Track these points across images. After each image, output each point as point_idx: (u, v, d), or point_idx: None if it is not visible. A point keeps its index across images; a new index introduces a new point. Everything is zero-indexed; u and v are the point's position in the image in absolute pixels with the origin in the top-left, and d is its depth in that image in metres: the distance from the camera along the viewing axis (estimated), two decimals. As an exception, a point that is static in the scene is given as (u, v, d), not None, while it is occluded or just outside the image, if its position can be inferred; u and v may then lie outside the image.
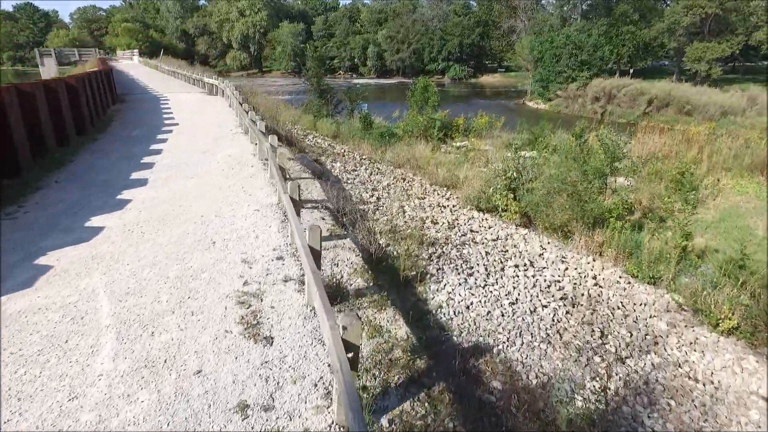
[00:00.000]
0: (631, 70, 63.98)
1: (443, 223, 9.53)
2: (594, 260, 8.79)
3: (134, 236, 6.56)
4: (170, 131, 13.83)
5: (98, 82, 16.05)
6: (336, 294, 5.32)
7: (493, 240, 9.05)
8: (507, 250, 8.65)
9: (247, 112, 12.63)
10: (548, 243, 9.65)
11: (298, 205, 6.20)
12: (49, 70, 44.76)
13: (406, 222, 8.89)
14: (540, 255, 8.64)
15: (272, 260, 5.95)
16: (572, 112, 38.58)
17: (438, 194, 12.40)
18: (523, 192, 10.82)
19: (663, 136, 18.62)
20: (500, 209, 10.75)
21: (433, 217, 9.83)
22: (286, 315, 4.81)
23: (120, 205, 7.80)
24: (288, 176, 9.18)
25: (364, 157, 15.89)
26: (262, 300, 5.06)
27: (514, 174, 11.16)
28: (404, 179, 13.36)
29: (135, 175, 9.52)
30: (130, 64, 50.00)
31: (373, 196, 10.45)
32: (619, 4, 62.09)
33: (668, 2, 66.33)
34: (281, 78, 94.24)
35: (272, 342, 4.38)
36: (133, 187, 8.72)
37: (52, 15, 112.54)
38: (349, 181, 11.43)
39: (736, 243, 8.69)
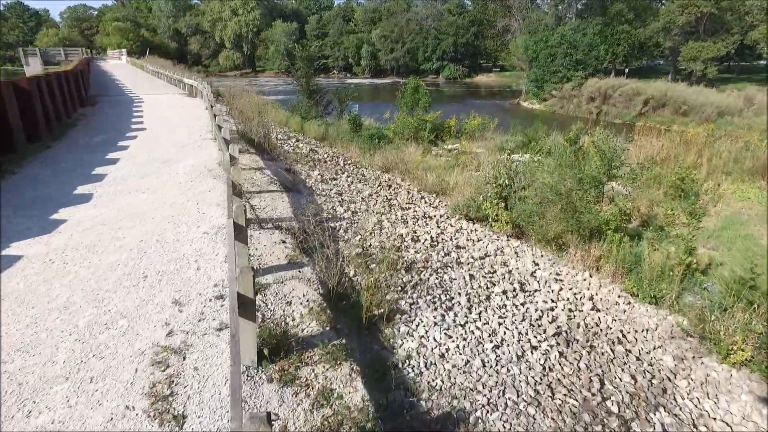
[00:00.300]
0: (626, 70, 63.38)
1: (425, 239, 8.59)
2: (591, 276, 7.91)
3: (53, 268, 5.57)
4: (135, 137, 12.82)
5: (62, 84, 14.99)
6: (280, 346, 4.37)
7: (481, 258, 8.13)
8: (495, 270, 7.74)
9: (215, 116, 11.64)
10: (541, 256, 8.75)
11: (244, 232, 5.23)
12: (34, 69, 43.59)
13: (381, 242, 7.92)
14: (532, 274, 7.74)
15: (210, 300, 4.98)
16: (567, 112, 37.80)
17: (425, 202, 11.49)
18: (515, 200, 9.92)
19: (661, 138, 17.77)
20: (491, 219, 9.86)
21: (414, 232, 8.88)
22: (210, 381, 3.85)
23: (51, 227, 6.81)
24: (244, 192, 8.18)
25: (348, 162, 14.89)
26: (184, 358, 4.09)
27: (506, 181, 10.26)
28: (390, 186, 12.42)
29: (80, 190, 8.51)
30: (118, 64, 48.80)
31: (348, 210, 9.44)
32: (614, 3, 61.44)
33: (663, 1, 65.76)
34: (274, 77, 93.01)
35: (183, 424, 3.42)
36: (73, 205, 7.72)
37: (43, 14, 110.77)
38: (324, 193, 10.43)
39: (743, 258, 7.83)
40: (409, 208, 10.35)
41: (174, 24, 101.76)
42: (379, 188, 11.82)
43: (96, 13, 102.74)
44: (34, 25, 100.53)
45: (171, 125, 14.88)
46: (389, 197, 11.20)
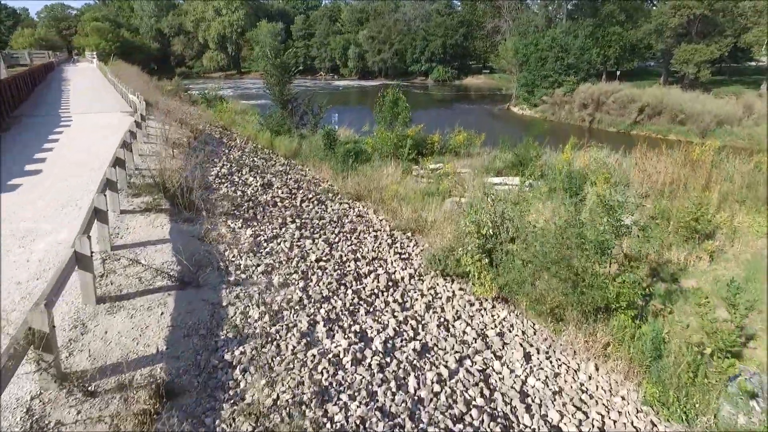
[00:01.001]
0: (618, 72, 62.33)
1: (375, 353, 6.03)
2: (596, 368, 6.28)
3: None
4: (12, 189, 9.68)
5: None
6: None
7: (458, 360, 6.19)
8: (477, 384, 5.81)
9: (114, 164, 9.07)
10: (534, 333, 7.11)
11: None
12: (-2, 73, 41.32)
13: (298, 391, 5.02)
14: (523, 382, 5.91)
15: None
16: (559, 119, 36.39)
17: (396, 251, 9.70)
18: (501, 255, 8.26)
19: (663, 157, 16.23)
20: (472, 280, 8.17)
21: (360, 339, 6.30)
22: None
23: None
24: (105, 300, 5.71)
25: (308, 198, 12.88)
26: None
27: (490, 231, 8.60)
28: (355, 230, 10.55)
29: None
30: (86, 68, 46.45)
31: (268, 310, 6.43)
32: (605, 4, 60.30)
33: (655, 2, 64.80)
34: (260, 79, 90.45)
35: None
36: None
37: (21, 13, 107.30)
38: (245, 276, 7.32)
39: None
40: (370, 274, 8.46)
41: (156, 24, 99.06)
42: (339, 235, 9.98)
43: (75, 12, 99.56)
44: (12, 24, 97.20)
45: (78, 165, 11.56)
46: (351, 250, 9.15)
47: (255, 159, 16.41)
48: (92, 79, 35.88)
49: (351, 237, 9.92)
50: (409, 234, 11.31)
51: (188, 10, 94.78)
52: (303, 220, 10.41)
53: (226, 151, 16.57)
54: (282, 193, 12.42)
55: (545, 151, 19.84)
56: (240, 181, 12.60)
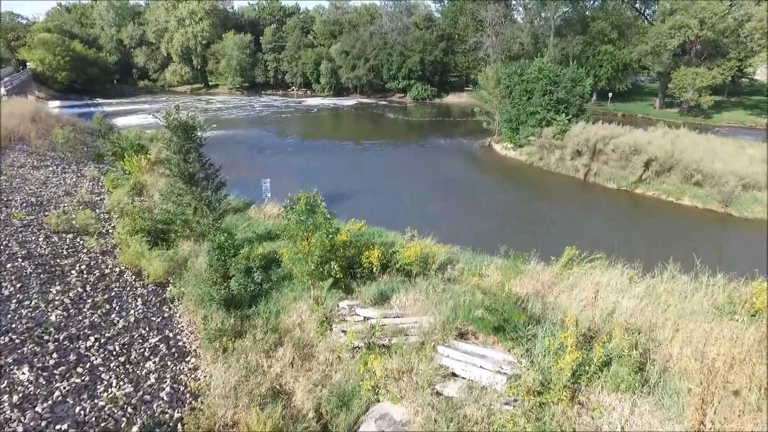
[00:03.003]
0: (610, 94, 57.43)
1: None
2: None
3: None
4: None
5: None
6: None
7: None
8: None
9: None
10: None
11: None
12: None
13: None
14: None
15: None
16: (549, 166, 30.93)
17: None
18: None
19: (711, 324, 10.66)
20: None
21: None
22: None
23: None
24: None
25: None
26: None
27: None
28: None
29: None
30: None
31: None
32: (596, 21, 55.35)
33: (648, 17, 60.08)
34: (227, 95, 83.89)
35: None
36: None
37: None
38: None
39: None
40: None
41: (117, 34, 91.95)
42: None
43: (26, 22, 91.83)
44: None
45: None
46: None
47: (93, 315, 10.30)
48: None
49: None
50: None
51: (150, 20, 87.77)
52: None
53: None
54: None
55: (534, 265, 14.23)
56: None
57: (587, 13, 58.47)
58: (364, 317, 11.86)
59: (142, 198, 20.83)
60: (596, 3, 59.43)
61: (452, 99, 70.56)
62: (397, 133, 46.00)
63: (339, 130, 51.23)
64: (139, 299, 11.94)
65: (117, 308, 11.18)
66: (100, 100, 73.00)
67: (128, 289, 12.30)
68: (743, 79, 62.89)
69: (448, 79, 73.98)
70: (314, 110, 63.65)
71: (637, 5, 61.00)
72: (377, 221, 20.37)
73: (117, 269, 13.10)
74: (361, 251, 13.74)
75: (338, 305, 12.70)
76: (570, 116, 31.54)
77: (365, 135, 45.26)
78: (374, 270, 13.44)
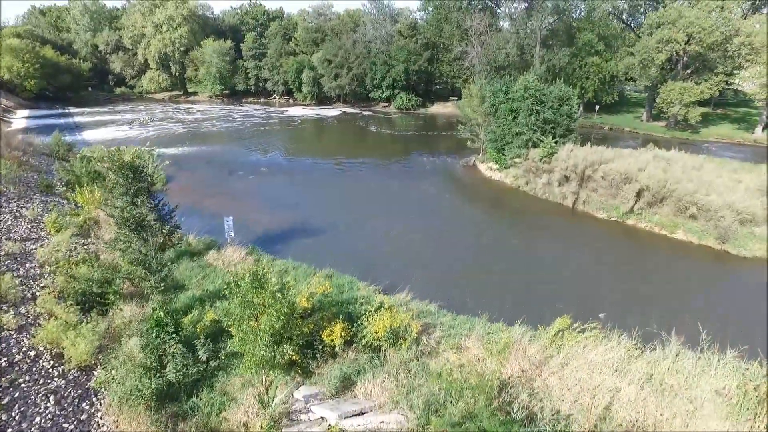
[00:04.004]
0: (597, 106, 56.52)
1: None
2: None
3: None
4: None
5: None
6: None
7: None
8: None
9: None
10: None
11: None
12: None
13: None
14: None
15: None
16: (535, 191, 29.51)
17: None
18: None
19: None
20: None
21: None
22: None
23: None
24: None
25: None
26: None
27: None
28: None
29: None
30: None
31: None
32: (582, 33, 54.39)
33: (634, 29, 59.37)
34: (206, 104, 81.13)
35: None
36: None
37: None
38: None
39: None
40: None
41: (92, 39, 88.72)
42: None
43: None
44: None
45: None
46: None
47: None
48: None
49: None
50: None
51: (126, 25, 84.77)
52: None
53: None
54: None
55: (521, 334, 12.68)
56: None
57: (573, 24, 57.53)
58: (321, 417, 10.07)
59: (89, 240, 18.73)
60: (582, 14, 58.55)
61: (437, 109, 69.08)
62: (380, 149, 44.22)
63: (320, 146, 49.29)
64: (51, 397, 9.97)
65: (17, 416, 9.20)
66: (73, 109, 69.80)
67: (40, 382, 10.32)
68: (728, 90, 62.51)
69: (433, 89, 72.55)
70: (297, 121, 61.49)
71: (623, 17, 60.31)
72: (349, 265, 18.57)
73: (31, 353, 11.09)
74: (322, 327, 11.92)
75: (293, 395, 10.90)
76: (557, 137, 30.16)
77: (346, 151, 43.37)
78: (336, 347, 11.66)
